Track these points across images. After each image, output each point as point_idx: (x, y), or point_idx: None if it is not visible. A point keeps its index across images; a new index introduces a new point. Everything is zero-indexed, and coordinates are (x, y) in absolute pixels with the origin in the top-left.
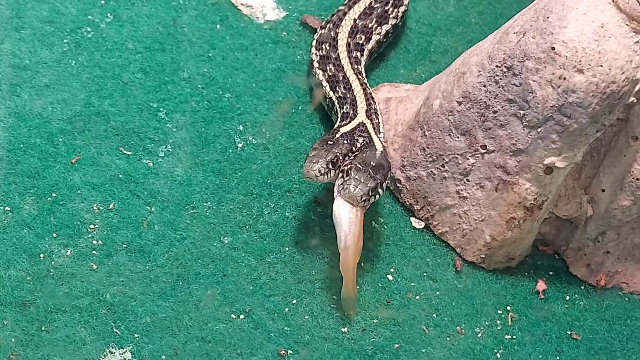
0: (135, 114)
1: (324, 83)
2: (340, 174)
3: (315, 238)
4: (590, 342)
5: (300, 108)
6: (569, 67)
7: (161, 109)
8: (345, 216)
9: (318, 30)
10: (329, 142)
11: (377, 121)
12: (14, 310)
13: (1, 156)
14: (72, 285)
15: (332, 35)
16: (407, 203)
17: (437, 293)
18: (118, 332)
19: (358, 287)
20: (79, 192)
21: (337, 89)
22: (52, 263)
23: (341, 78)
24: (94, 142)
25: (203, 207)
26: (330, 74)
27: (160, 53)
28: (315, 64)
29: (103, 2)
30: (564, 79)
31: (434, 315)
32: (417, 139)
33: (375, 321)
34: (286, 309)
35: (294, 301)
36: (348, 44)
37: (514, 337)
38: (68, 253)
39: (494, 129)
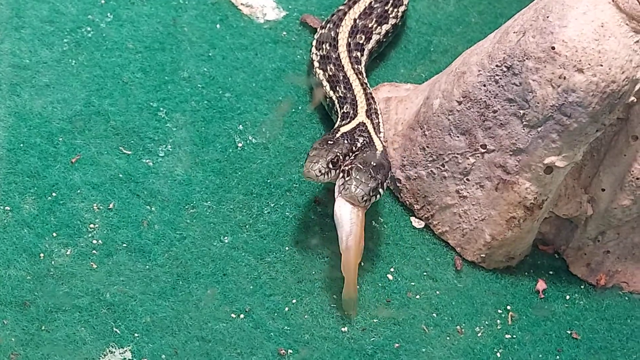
0: (135, 113)
1: (324, 83)
2: (341, 174)
3: (315, 237)
4: (590, 341)
5: (300, 108)
6: (569, 67)
7: (161, 109)
8: (347, 216)
9: (318, 30)
10: (329, 142)
11: (377, 121)
12: (14, 310)
13: (1, 156)
14: (72, 285)
15: (333, 35)
16: (407, 202)
17: (437, 292)
18: (118, 331)
19: (358, 286)
20: (79, 191)
21: (337, 88)
22: (52, 262)
23: (341, 78)
24: (94, 142)
25: (203, 207)
26: (330, 73)
27: (160, 52)
28: (316, 64)
29: (103, 1)
30: (564, 78)
31: (434, 314)
32: (417, 138)
33: (375, 320)
34: (286, 309)
35: (294, 300)
36: (348, 44)
37: (514, 336)
38: (68, 252)
39: (494, 128)
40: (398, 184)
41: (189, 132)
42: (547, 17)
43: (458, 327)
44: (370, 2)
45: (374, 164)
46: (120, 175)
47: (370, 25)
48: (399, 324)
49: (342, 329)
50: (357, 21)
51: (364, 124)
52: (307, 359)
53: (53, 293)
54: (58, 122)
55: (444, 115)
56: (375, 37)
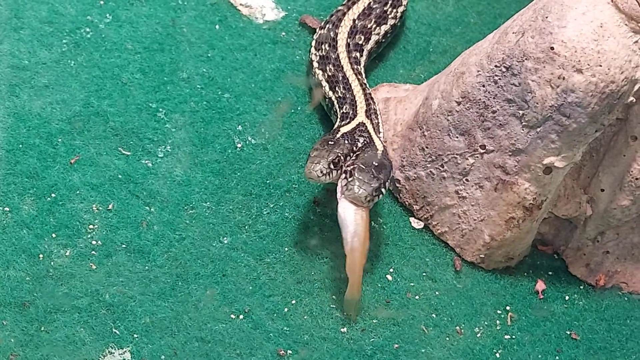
0: (134, 114)
1: (324, 83)
2: (343, 175)
3: (315, 238)
4: (590, 342)
5: (299, 108)
6: (568, 67)
7: (160, 109)
8: (351, 217)
9: (317, 30)
10: (329, 143)
11: (376, 121)
12: (13, 311)
13: (0, 156)
14: (71, 286)
15: (332, 35)
16: (407, 203)
17: (437, 293)
18: (117, 332)
19: None
20: (78, 192)
21: (337, 89)
22: (52, 263)
23: (341, 78)
24: (93, 143)
25: (202, 208)
26: (329, 74)
27: (159, 53)
28: (315, 64)
29: (102, 2)
30: (563, 78)
31: (434, 315)
32: (416, 139)
33: (374, 321)
34: (285, 309)
35: (293, 301)
36: (347, 44)
37: (514, 337)
38: (67, 253)
39: (493, 128)
40: (397, 185)
41: (188, 133)
42: (546, 17)
43: (457, 327)
44: (369, 3)
45: (376, 164)
46: (120, 176)
47: (369, 26)
48: (399, 324)
49: (342, 330)
50: (356, 22)
51: (364, 124)
52: (306, 359)
53: (52, 294)
54: (57, 122)
55: (443, 115)
56: (374, 38)
